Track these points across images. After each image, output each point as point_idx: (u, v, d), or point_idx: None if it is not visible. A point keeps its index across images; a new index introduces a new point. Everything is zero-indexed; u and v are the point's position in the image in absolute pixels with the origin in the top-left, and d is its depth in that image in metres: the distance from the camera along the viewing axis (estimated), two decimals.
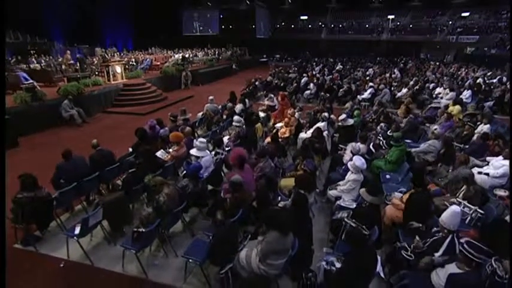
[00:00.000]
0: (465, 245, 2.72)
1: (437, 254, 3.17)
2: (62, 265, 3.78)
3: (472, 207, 4.07)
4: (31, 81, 9.66)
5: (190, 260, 3.38)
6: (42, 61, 13.31)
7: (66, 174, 4.54)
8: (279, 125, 7.60)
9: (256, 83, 13.99)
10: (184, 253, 3.44)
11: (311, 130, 6.81)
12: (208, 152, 5.19)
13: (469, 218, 4.09)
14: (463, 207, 4.18)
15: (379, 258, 2.94)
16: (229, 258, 3.26)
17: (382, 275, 2.87)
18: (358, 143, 5.49)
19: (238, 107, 8.95)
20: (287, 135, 6.75)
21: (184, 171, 5.25)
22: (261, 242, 3.08)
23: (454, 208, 3.14)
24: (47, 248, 4.05)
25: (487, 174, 5.00)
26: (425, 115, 8.81)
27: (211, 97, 8.79)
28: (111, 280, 3.60)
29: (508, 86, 12.38)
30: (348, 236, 3.03)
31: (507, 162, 4.90)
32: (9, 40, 17.10)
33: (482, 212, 3.98)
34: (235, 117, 7.08)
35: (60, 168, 4.59)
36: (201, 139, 5.21)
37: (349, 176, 4.52)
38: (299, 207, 3.48)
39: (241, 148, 4.74)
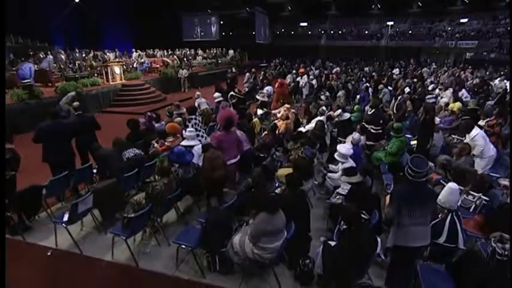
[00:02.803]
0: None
1: (441, 239, 3.03)
2: (49, 254, 3.63)
3: (476, 194, 3.93)
4: (28, 80, 9.57)
5: (182, 246, 3.24)
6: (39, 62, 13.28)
7: (47, 131, 4.42)
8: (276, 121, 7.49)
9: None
10: (175, 239, 3.30)
11: (310, 124, 6.72)
12: (198, 141, 5.07)
13: (473, 205, 3.96)
14: (467, 195, 4.06)
15: (379, 240, 2.80)
16: (222, 243, 3.14)
17: (382, 256, 2.72)
18: (358, 134, 5.38)
19: (216, 94, 8.58)
20: (283, 127, 6.61)
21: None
22: (251, 224, 2.98)
23: (451, 185, 3.02)
24: (35, 237, 3.90)
25: None
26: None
27: (198, 93, 8.72)
28: (99, 268, 3.45)
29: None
30: (343, 213, 2.91)
31: None
32: (9, 44, 17.11)
33: (486, 198, 3.84)
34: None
35: (42, 126, 4.46)
36: (190, 128, 5.11)
37: (340, 166, 4.45)
38: (292, 188, 3.36)
39: (233, 110, 4.67)
